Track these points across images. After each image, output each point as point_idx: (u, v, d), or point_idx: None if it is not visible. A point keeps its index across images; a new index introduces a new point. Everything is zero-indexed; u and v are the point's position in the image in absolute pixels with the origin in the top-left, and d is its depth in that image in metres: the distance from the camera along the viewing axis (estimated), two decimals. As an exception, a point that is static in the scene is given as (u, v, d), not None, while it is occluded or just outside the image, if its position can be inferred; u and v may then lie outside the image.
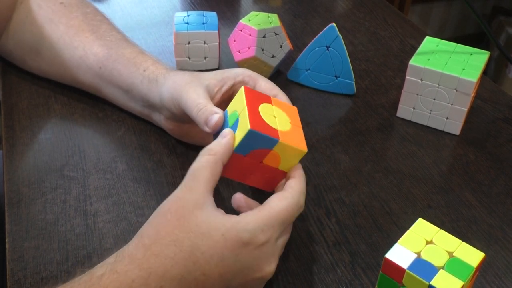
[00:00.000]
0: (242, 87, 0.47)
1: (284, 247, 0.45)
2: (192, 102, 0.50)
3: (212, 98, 0.52)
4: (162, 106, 0.56)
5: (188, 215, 0.39)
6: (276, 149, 0.44)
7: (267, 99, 0.47)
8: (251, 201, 0.45)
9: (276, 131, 0.44)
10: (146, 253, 0.37)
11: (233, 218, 0.40)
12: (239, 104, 0.46)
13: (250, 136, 0.43)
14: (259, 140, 0.43)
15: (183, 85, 0.52)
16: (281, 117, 0.46)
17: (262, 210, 0.41)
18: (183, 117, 0.53)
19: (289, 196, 0.43)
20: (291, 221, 0.44)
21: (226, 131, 0.45)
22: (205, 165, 0.42)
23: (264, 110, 0.45)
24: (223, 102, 0.53)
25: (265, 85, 0.52)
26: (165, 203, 0.41)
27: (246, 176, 0.47)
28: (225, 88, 0.53)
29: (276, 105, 0.47)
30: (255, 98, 0.46)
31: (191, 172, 0.42)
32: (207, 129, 0.47)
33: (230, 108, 0.48)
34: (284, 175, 0.47)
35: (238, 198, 0.44)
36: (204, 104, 0.49)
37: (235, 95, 0.49)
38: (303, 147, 0.45)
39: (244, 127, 0.43)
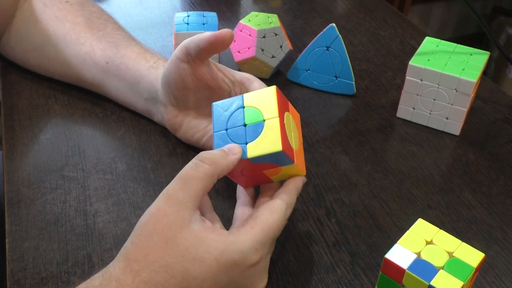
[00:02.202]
0: (274, 87, 0.44)
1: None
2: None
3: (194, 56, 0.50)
4: (163, 88, 0.55)
5: (176, 237, 0.37)
6: (285, 167, 0.44)
7: (287, 106, 0.46)
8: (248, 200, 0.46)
9: (293, 150, 0.43)
10: (135, 279, 0.35)
11: (224, 237, 0.38)
12: (266, 107, 0.43)
13: (276, 155, 0.42)
14: (279, 158, 0.42)
15: None
16: (294, 131, 0.46)
17: (255, 227, 0.40)
18: (181, 96, 0.55)
19: (278, 208, 0.41)
20: (278, 235, 0.43)
21: (236, 149, 0.42)
22: (201, 176, 0.39)
23: (287, 122, 0.44)
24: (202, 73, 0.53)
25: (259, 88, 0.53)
26: (148, 218, 0.38)
27: (237, 175, 0.45)
28: (215, 70, 0.53)
29: (291, 112, 0.46)
30: (282, 106, 0.44)
31: (183, 178, 0.39)
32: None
33: (249, 100, 0.44)
34: (270, 182, 0.47)
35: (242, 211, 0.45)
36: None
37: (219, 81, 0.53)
38: (303, 170, 0.46)
39: (272, 143, 0.41)
